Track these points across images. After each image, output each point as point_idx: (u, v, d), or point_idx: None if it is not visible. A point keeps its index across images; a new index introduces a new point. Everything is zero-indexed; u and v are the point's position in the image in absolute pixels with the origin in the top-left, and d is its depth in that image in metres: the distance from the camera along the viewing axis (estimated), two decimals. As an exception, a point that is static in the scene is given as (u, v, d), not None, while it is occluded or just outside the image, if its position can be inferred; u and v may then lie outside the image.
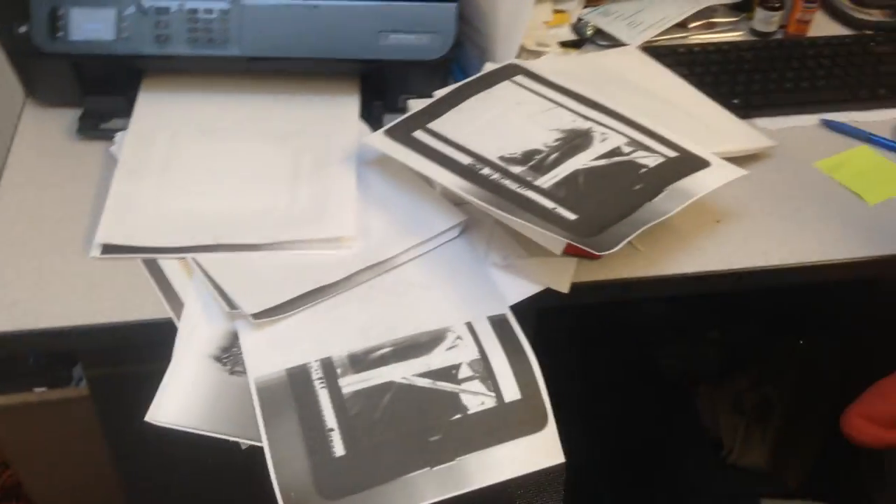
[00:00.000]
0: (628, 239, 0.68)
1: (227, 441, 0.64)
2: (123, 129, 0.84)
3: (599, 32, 1.03)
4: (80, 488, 1.34)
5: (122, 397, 0.78)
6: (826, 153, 0.90)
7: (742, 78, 0.97)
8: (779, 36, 1.06)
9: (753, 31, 1.07)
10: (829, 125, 0.94)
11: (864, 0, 1.09)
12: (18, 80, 0.87)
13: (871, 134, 0.92)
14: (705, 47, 1.02)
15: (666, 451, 1.42)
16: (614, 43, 1.02)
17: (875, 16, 1.09)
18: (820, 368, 1.49)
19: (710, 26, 1.08)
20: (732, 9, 1.08)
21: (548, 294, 0.73)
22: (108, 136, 0.84)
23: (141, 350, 0.72)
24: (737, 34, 1.07)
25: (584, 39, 1.03)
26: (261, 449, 0.63)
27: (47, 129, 0.87)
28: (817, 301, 1.49)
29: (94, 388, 0.79)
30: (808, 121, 0.95)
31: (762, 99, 0.95)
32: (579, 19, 1.05)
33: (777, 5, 1.04)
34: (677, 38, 1.05)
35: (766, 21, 1.05)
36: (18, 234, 0.75)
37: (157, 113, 0.86)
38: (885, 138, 0.92)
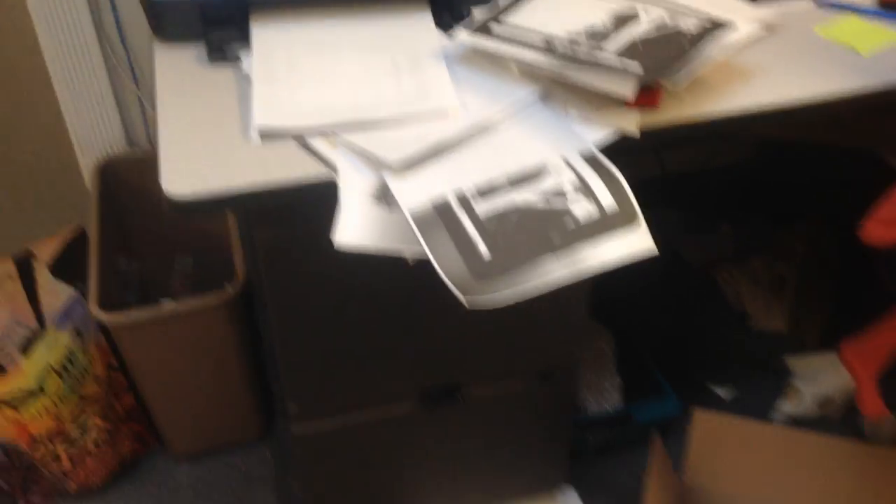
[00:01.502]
0: (690, 74, 0.86)
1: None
2: (246, 53, 1.01)
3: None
4: (207, 413, 1.48)
5: (290, 254, 0.96)
6: (821, 23, 1.10)
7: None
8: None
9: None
10: (821, 4, 1.13)
11: None
12: (147, 23, 1.04)
13: (857, 6, 1.11)
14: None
15: (697, 324, 1.61)
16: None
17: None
18: (823, 245, 1.69)
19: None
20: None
21: (621, 142, 0.91)
22: (234, 59, 1.01)
23: (304, 209, 0.89)
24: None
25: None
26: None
27: (180, 60, 1.03)
28: (816, 189, 1.70)
29: (263, 249, 0.95)
30: (803, 4, 1.14)
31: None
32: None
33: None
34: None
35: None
36: (185, 130, 0.91)
37: (271, 37, 1.03)
38: (869, 8, 1.11)
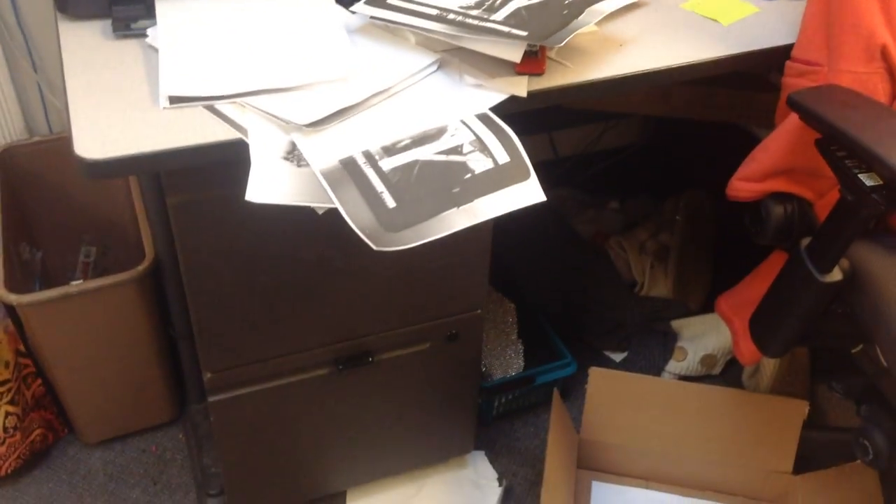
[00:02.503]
0: (569, 37, 0.95)
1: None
2: (151, 27, 1.04)
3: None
4: (118, 397, 1.48)
5: (202, 219, 0.99)
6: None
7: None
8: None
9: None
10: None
11: None
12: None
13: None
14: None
15: (590, 293, 1.72)
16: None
17: None
18: (701, 215, 1.82)
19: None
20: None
21: (511, 102, 0.99)
22: (140, 33, 1.05)
23: (214, 174, 0.94)
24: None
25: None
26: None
27: (85, 35, 1.06)
28: (695, 165, 1.83)
29: (176, 215, 0.99)
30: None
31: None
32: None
33: None
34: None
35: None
36: (95, 99, 0.94)
37: (175, 11, 1.07)
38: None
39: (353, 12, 1.06)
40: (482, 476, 1.53)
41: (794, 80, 1.07)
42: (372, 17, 1.04)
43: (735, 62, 1.10)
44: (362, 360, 1.23)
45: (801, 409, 1.39)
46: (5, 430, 1.40)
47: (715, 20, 1.16)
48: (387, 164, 0.90)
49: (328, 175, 0.88)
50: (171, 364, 1.51)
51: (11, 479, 1.48)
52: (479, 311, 1.27)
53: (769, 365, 1.54)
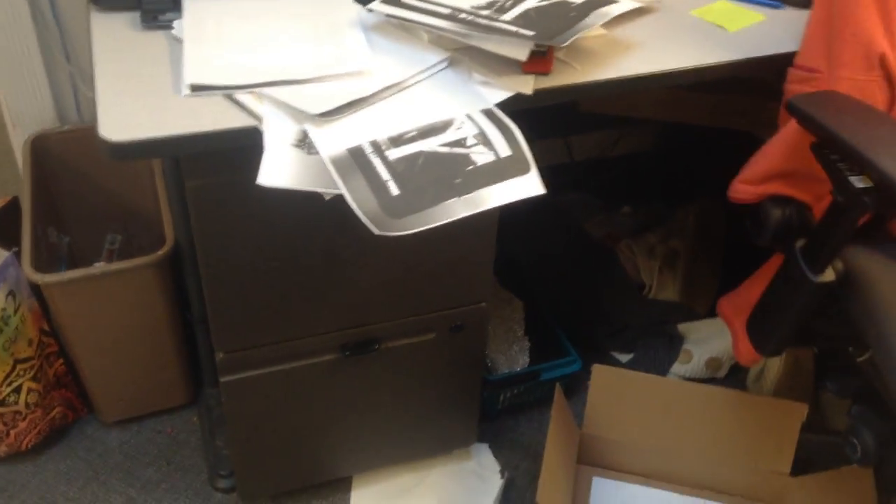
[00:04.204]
0: (574, 37, 0.99)
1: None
2: (177, 19, 1.10)
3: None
4: (137, 379, 1.54)
5: (217, 203, 1.04)
6: (698, 6, 1.24)
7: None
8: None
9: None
10: (696, -10, 1.28)
11: None
12: (84, -8, 1.12)
13: (726, -8, 1.27)
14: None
15: (598, 294, 1.75)
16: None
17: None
18: (711, 221, 1.85)
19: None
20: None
21: (517, 99, 1.03)
22: (166, 25, 1.10)
23: (230, 160, 0.99)
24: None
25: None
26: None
27: (115, 27, 1.11)
28: (706, 171, 1.85)
29: (194, 199, 1.04)
30: (681, -11, 1.29)
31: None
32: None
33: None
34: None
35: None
36: (121, 86, 0.99)
37: (201, 5, 1.12)
38: (736, -6, 1.27)
39: (371, 10, 1.11)
40: (485, 468, 1.56)
41: (795, 87, 1.10)
42: (388, 15, 1.08)
43: (737, 68, 1.13)
44: (368, 347, 1.27)
45: (801, 411, 1.41)
46: (27, 405, 1.46)
47: (721, 27, 1.19)
48: (393, 153, 0.95)
49: (336, 162, 0.93)
50: (187, 348, 1.56)
51: (32, 453, 1.53)
52: (483, 304, 1.31)
53: (773, 369, 1.56)
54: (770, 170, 1.15)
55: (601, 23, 1.04)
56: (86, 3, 1.15)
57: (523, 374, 1.58)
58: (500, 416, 1.64)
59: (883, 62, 1.04)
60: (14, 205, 1.51)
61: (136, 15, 1.12)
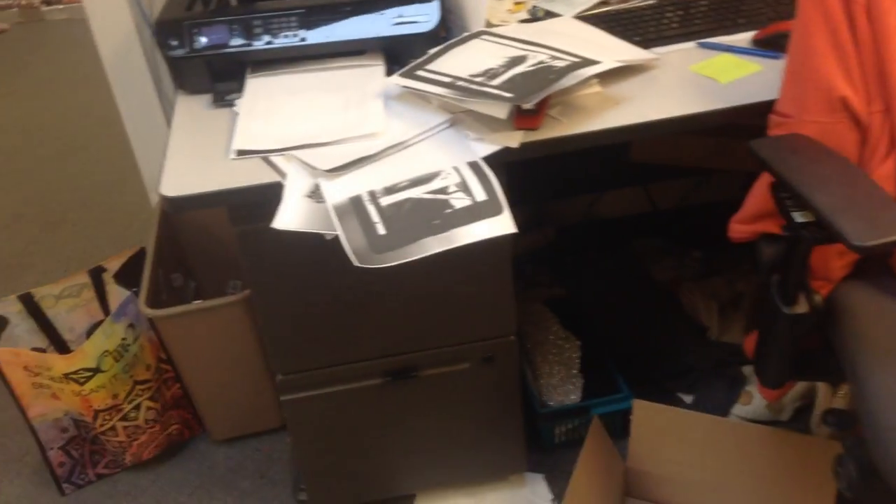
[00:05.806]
0: (541, 97, 1.14)
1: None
2: (238, 98, 1.35)
3: (548, 13, 1.51)
4: (237, 402, 1.79)
5: (260, 245, 1.26)
6: (698, 62, 1.34)
7: (643, 25, 1.43)
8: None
9: (658, -1, 1.52)
10: (703, 45, 1.38)
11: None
12: (172, 79, 1.40)
13: (731, 46, 1.36)
14: (619, 12, 1.48)
15: (660, 335, 1.82)
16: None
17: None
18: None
19: (626, 0, 1.54)
20: (643, -13, 1.54)
21: (506, 152, 1.19)
22: (231, 104, 1.35)
23: (269, 209, 1.20)
24: (646, 1, 1.53)
25: (536, 18, 1.50)
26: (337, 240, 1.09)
27: (193, 107, 1.38)
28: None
29: (241, 242, 1.27)
30: (689, 45, 1.39)
31: (655, 34, 1.40)
32: (533, 6, 1.52)
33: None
34: (602, 9, 1.52)
35: (664, -10, 1.50)
36: (185, 153, 1.25)
37: (259, 86, 1.37)
38: (741, 47, 1.35)
39: (394, 83, 1.31)
40: (539, 496, 1.67)
41: (774, 131, 1.18)
42: (403, 87, 1.28)
43: (721, 116, 1.23)
44: (408, 373, 1.44)
45: (838, 449, 1.42)
46: (146, 421, 1.74)
47: (714, 79, 1.29)
48: (385, 200, 1.13)
49: (338, 209, 1.12)
50: (279, 377, 1.80)
51: (152, 463, 1.82)
52: (512, 336, 1.44)
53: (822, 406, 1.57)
54: (759, 210, 1.22)
55: (574, 83, 1.17)
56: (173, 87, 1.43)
57: (574, 408, 1.68)
58: (557, 449, 1.74)
59: (846, 104, 1.10)
60: (141, 254, 1.82)
61: (211, 96, 1.39)
